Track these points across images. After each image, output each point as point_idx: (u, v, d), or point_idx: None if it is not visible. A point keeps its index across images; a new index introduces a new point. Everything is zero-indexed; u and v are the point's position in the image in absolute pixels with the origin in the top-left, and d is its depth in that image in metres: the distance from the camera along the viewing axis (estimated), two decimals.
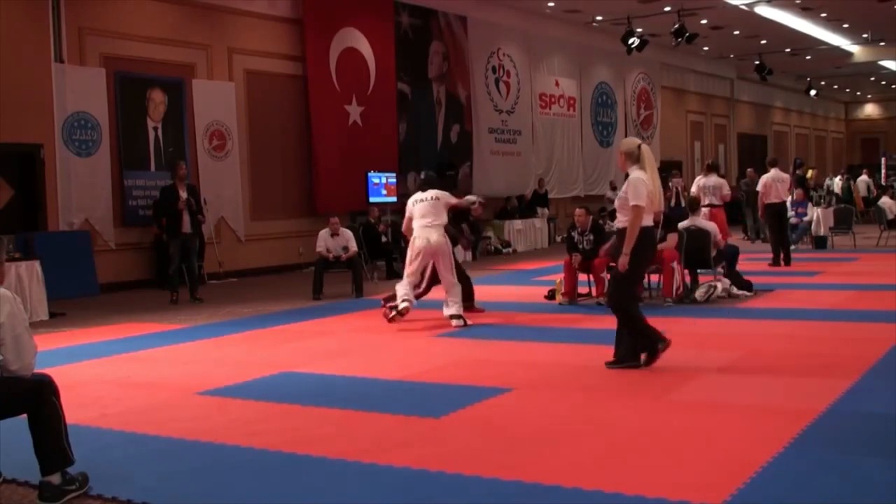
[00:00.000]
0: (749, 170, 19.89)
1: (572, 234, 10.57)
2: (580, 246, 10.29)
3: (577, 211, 10.58)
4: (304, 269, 15.08)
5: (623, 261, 6.32)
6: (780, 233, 13.89)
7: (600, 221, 12.81)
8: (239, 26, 15.25)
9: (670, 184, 19.97)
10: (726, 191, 14.29)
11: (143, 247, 13.74)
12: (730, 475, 4.01)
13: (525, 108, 21.69)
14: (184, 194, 11.56)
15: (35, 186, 12.54)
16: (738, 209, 19.91)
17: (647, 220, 6.38)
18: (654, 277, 10.48)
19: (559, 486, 3.96)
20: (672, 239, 9.87)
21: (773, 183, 13.90)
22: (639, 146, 6.52)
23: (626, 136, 25.77)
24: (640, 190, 6.27)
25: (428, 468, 4.29)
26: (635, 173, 6.43)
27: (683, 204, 15.45)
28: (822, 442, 4.55)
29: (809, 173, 24.39)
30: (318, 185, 16.06)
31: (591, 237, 10.27)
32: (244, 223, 15.22)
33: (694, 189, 14.13)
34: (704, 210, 13.18)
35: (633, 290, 6.47)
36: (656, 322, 8.64)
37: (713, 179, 14.20)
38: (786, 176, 14.46)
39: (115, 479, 4.27)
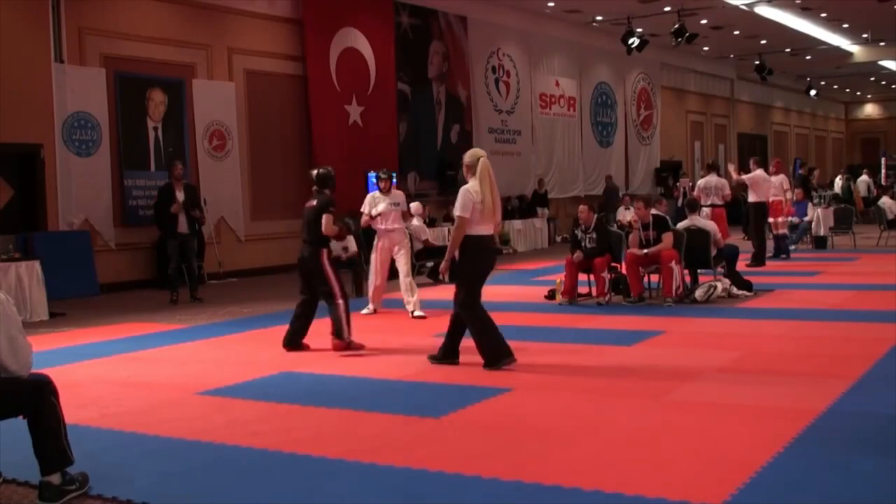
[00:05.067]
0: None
1: (576, 231, 10.58)
2: (583, 244, 10.28)
3: (581, 207, 10.61)
4: None
5: (442, 266, 6.87)
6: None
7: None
8: (239, 26, 15.25)
9: (678, 184, 19.95)
10: (727, 190, 14.33)
11: (143, 247, 13.73)
12: (730, 475, 4.01)
13: (525, 108, 21.68)
14: (180, 195, 11.54)
15: (35, 186, 12.53)
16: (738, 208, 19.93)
17: (480, 230, 6.55)
18: (654, 277, 10.49)
19: (559, 486, 3.96)
20: (668, 238, 9.87)
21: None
22: (479, 159, 6.64)
23: (626, 136, 25.81)
24: (464, 201, 6.49)
25: (428, 468, 4.29)
26: (467, 184, 6.62)
27: None
28: (822, 442, 4.55)
29: (814, 174, 24.39)
30: None
31: (595, 235, 10.26)
32: (244, 223, 15.22)
33: (695, 190, 14.21)
34: (706, 210, 13.23)
35: (470, 297, 6.62)
36: (657, 322, 8.66)
37: (714, 179, 14.23)
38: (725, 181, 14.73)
39: (115, 479, 4.27)
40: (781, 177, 14.62)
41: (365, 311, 9.97)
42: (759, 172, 13.98)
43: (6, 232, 11.55)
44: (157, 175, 13.68)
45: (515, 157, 21.22)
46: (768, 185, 14.15)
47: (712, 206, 13.71)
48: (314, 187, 8.03)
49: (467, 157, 6.80)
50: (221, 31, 14.94)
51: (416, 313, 9.61)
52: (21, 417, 4.03)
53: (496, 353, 6.64)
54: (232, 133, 15.03)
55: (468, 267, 6.64)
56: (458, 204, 6.57)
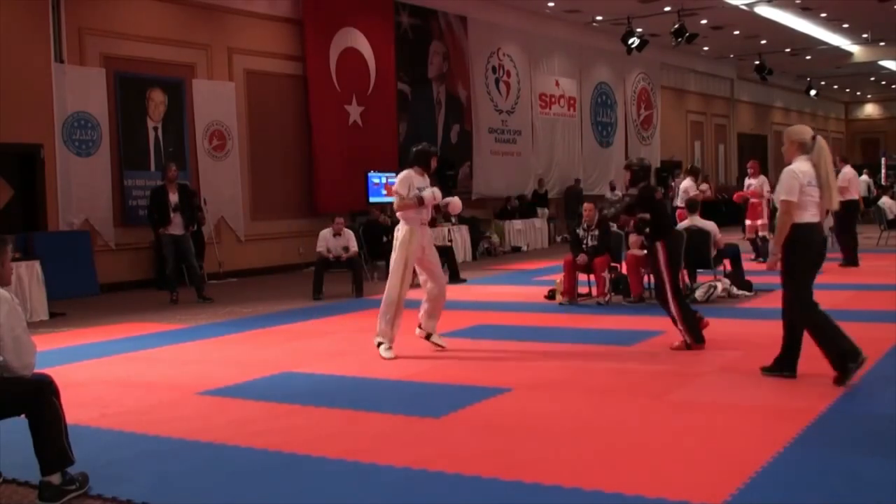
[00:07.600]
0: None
1: (577, 231, 10.58)
2: (585, 242, 10.29)
3: (586, 205, 10.75)
4: (304, 269, 15.07)
5: (771, 260, 5.84)
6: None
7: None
8: (239, 26, 15.25)
9: (672, 184, 20.03)
10: (709, 192, 14.62)
11: (143, 247, 13.72)
12: (730, 475, 4.01)
13: (525, 108, 21.68)
14: (174, 196, 11.50)
15: (35, 186, 12.54)
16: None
17: (807, 217, 5.73)
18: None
19: (559, 486, 3.96)
20: None
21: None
22: (814, 136, 5.83)
23: (626, 136, 25.79)
24: (790, 183, 5.69)
25: (428, 468, 4.29)
26: (791, 165, 5.81)
27: None
28: (822, 442, 4.55)
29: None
30: (318, 185, 16.06)
31: (597, 232, 10.27)
32: (244, 223, 15.22)
33: (694, 190, 14.38)
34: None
35: (803, 295, 5.76)
36: (657, 322, 8.66)
37: (688, 183, 14.61)
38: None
39: (115, 479, 4.27)
40: (762, 179, 14.55)
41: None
42: (848, 169, 13.70)
43: (6, 232, 11.50)
44: (157, 175, 13.65)
45: (515, 157, 21.24)
46: (857, 182, 14.02)
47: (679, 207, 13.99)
48: (635, 180, 7.41)
49: (795, 133, 5.90)
50: (221, 31, 14.94)
51: (435, 339, 7.60)
52: (22, 417, 4.03)
53: (842, 362, 5.68)
54: (232, 133, 15.04)
55: (797, 261, 5.73)
56: (782, 187, 5.71)
